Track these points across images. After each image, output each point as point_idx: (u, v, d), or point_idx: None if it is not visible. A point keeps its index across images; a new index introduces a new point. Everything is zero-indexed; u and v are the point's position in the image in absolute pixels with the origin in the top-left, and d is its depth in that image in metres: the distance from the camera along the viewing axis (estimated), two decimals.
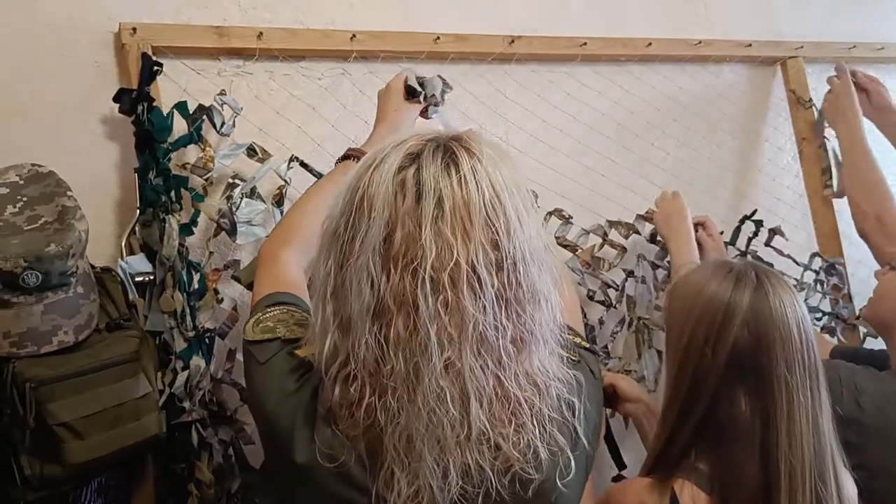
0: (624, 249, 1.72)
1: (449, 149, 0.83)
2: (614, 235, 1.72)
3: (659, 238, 1.72)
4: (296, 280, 1.08)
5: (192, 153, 1.41)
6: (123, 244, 1.30)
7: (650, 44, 1.81)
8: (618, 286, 1.71)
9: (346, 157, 1.27)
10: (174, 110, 1.35)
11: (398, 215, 0.80)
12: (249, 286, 1.35)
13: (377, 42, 1.54)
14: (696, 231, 1.69)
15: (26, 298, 1.05)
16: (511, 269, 0.81)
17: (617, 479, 1.51)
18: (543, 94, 1.73)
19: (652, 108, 1.86)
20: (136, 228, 1.32)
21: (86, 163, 1.37)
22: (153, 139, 1.31)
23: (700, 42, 1.87)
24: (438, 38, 1.58)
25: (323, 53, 1.53)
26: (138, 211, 1.31)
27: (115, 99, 1.32)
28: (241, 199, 1.38)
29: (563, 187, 1.71)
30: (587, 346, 0.99)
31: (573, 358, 0.90)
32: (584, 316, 1.65)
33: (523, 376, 0.83)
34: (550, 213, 1.64)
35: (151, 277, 1.28)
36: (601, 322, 1.68)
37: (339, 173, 1.25)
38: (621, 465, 1.44)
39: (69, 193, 1.13)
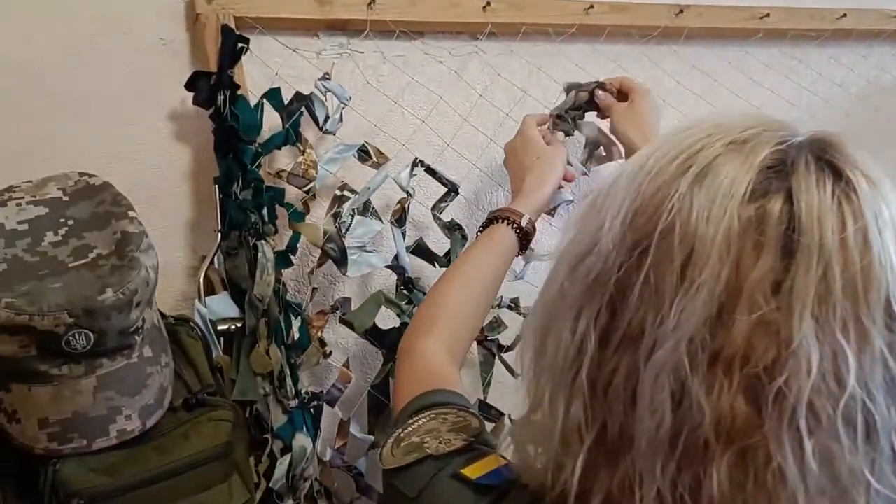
0: None
1: (836, 168, 0.46)
2: None
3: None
4: (440, 368, 0.78)
5: (281, 158, 1.08)
6: (201, 280, 0.96)
7: (844, 15, 1.43)
8: None
9: (493, 221, 0.95)
10: (263, 100, 1.02)
11: (743, 280, 0.44)
12: (365, 333, 1.01)
13: (516, 13, 1.19)
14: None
15: (72, 369, 0.72)
16: None
17: None
18: (717, 76, 1.36)
19: (848, 94, 1.48)
20: (217, 259, 0.98)
21: (148, 171, 1.04)
22: (238, 138, 0.97)
23: None
24: (592, 7, 1.22)
25: (447, 27, 1.18)
26: (219, 235, 0.97)
27: (189, 86, 0.98)
28: (353, 217, 1.03)
29: None
30: None
31: None
32: None
33: None
34: None
35: (238, 326, 0.94)
36: None
37: (487, 244, 0.94)
38: None
39: (131, 214, 0.80)
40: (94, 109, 1.01)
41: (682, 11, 1.29)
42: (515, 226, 0.94)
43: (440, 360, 0.79)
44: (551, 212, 1.14)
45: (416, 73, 1.16)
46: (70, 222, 0.78)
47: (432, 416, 0.66)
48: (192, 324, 0.87)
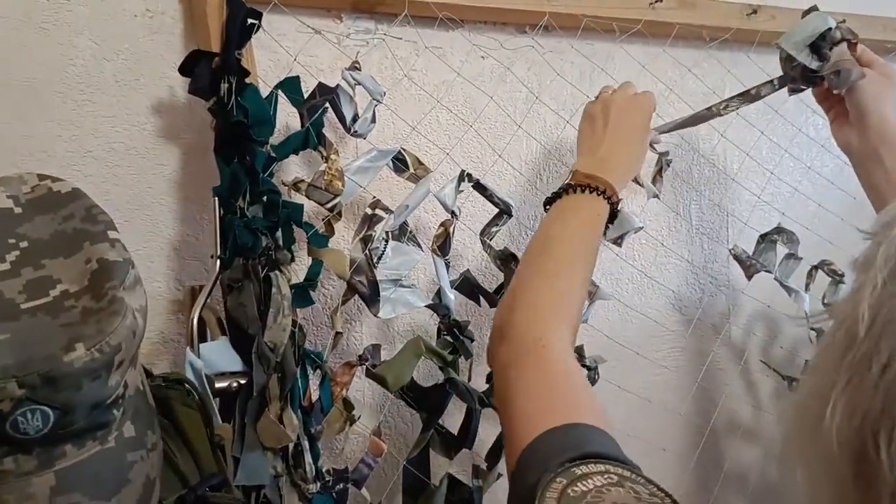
0: None
1: None
2: None
3: None
4: (582, 380, 0.63)
5: (290, 166, 0.86)
6: (195, 321, 0.73)
7: None
8: None
9: (590, 190, 0.77)
10: (277, 92, 0.80)
11: None
12: (402, 392, 0.80)
13: (576, 4, 1.00)
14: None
15: (18, 463, 0.48)
16: None
17: None
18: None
19: None
20: (212, 293, 0.76)
21: (124, 177, 0.81)
22: (248, 137, 0.75)
23: None
24: (659, 0, 1.04)
25: (499, 15, 0.98)
26: (218, 262, 0.75)
27: (185, 69, 0.76)
28: (387, 242, 0.82)
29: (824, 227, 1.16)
30: None
31: None
32: None
33: None
34: (816, 268, 1.10)
35: (241, 382, 0.72)
36: None
37: (591, 218, 0.77)
38: None
39: (112, 235, 0.57)
40: (55, 97, 0.78)
41: (754, 12, 1.12)
42: (612, 204, 0.78)
43: (577, 368, 0.64)
44: (618, 241, 0.94)
45: (455, 68, 0.95)
46: (24, 244, 0.55)
47: (612, 478, 0.50)
48: (187, 386, 0.64)
